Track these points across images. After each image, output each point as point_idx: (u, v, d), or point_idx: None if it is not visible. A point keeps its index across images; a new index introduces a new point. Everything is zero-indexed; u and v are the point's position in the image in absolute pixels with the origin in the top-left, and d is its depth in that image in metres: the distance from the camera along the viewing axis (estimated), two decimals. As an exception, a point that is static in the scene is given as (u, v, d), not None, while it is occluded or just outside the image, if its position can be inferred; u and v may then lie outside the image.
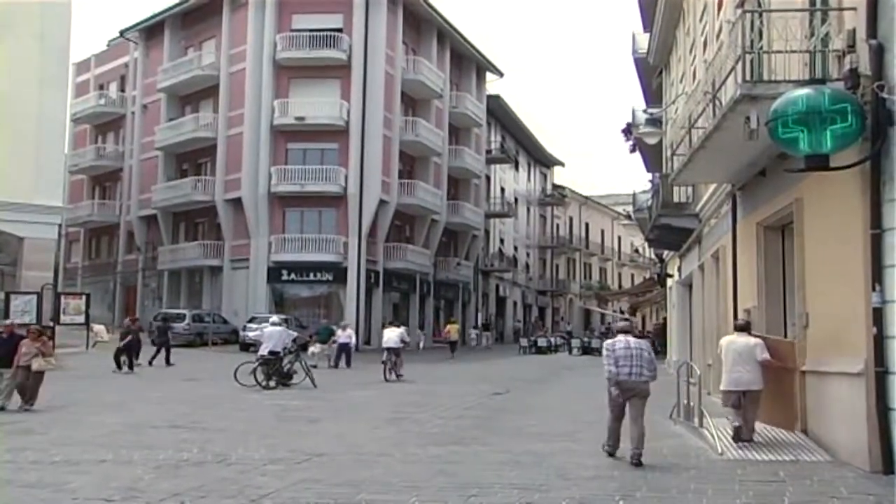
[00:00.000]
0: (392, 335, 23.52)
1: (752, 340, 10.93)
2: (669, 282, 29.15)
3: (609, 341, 10.15)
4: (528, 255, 62.88)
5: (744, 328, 11.15)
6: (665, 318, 36.39)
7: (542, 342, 42.43)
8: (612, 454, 10.03)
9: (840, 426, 9.72)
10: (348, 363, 25.65)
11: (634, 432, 9.72)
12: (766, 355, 10.77)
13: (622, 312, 72.24)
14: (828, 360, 10.11)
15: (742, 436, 10.80)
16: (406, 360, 24.14)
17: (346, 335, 26.00)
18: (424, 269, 43.73)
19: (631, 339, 10.11)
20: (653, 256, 51.20)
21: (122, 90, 48.88)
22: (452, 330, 38.60)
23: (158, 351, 25.57)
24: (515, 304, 59.99)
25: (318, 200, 38.32)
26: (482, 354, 39.93)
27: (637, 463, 9.52)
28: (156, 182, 43.23)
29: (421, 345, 39.36)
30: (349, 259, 38.14)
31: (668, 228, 21.18)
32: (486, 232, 53.34)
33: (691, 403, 12.11)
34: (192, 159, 42.91)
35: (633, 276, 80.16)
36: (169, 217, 43.38)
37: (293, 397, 17.40)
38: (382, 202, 39.51)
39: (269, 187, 38.41)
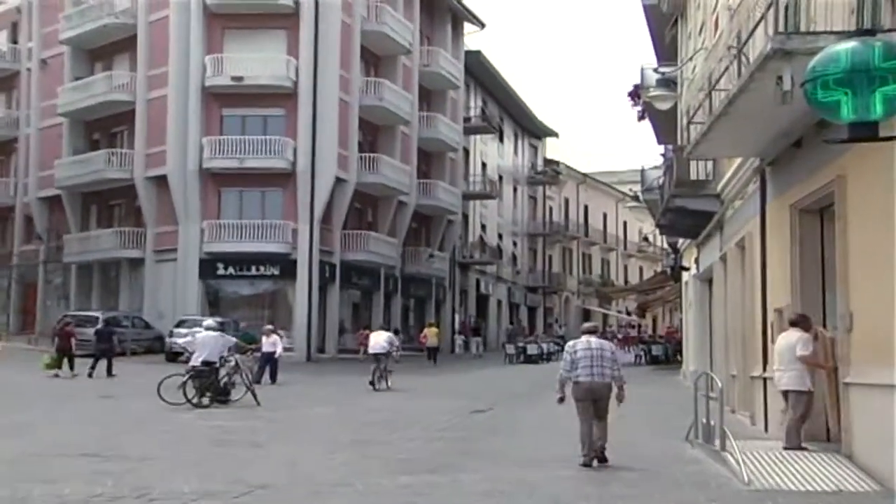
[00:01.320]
0: (379, 339, 24.97)
1: (795, 336, 11.71)
2: (685, 276, 29.30)
3: (570, 342, 11.99)
4: (515, 244, 63.08)
5: (797, 322, 11.84)
6: (680, 320, 36.62)
7: (531, 350, 42.63)
8: (588, 464, 11.39)
9: (890, 449, 9.79)
10: (273, 377, 25.18)
11: (598, 430, 11.55)
12: (805, 351, 11.17)
13: (628, 313, 72.85)
14: (875, 369, 10.16)
15: (787, 443, 11.55)
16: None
17: (269, 343, 25.18)
18: (390, 262, 43.72)
19: (593, 339, 11.78)
20: (665, 246, 51.62)
21: (15, 41, 48.07)
22: (431, 335, 38.71)
23: (98, 360, 26.21)
24: (500, 303, 60.23)
25: (261, 179, 38.15)
26: (463, 364, 40.10)
27: (601, 457, 11.45)
28: (60, 155, 42.77)
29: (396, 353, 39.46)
30: (299, 250, 38.05)
31: (684, 212, 21.26)
32: (465, 216, 53.45)
33: (712, 423, 12.16)
34: (104, 128, 42.46)
35: (641, 269, 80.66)
36: (77, 198, 42.92)
37: (232, 417, 17.34)
38: (339, 181, 39.40)
39: (201, 162, 38.17)
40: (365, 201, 42.96)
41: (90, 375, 25.73)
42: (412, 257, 46.64)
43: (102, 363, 26.40)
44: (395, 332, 42.35)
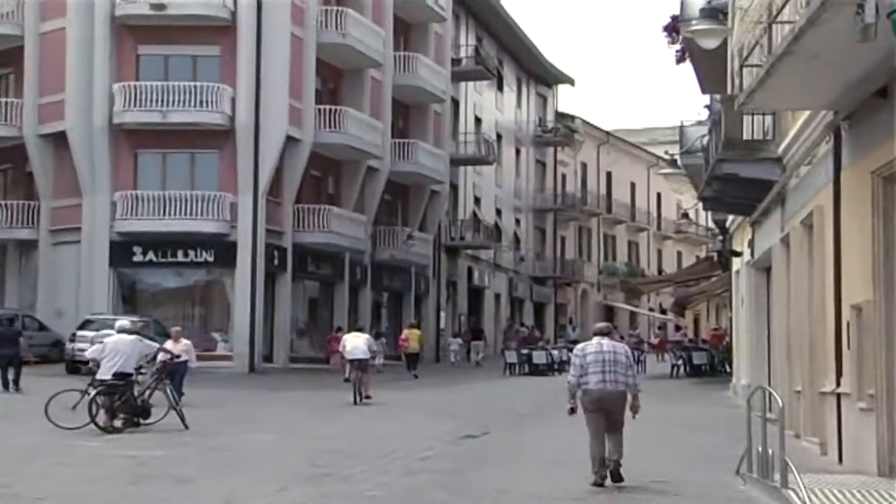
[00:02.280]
0: (358, 343, 26.15)
1: None
2: (736, 264, 29.36)
3: (580, 345, 13.20)
4: (517, 222, 63.14)
5: None
6: (729, 320, 36.72)
7: (538, 357, 42.72)
8: (600, 483, 12.40)
9: None
10: (177, 392, 24.74)
11: (611, 443, 12.51)
12: None
13: (663, 311, 73.05)
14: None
15: None
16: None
17: (181, 348, 24.69)
18: (357, 245, 43.72)
19: (605, 341, 12.88)
20: (710, 225, 51.67)
21: None
22: (412, 338, 38.76)
23: (4, 371, 26.52)
24: (498, 297, 60.40)
25: (190, 138, 38.04)
26: (452, 375, 40.28)
27: (616, 474, 12.37)
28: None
29: (379, 360, 39.57)
30: (239, 229, 38.04)
31: (735, 181, 21.26)
32: (454, 187, 53.45)
33: (770, 451, 12.23)
34: (-17, 70, 42.27)
35: (679, 254, 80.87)
36: (-52, 162, 42.71)
37: (153, 444, 17.30)
38: (291, 140, 39.32)
39: (111, 116, 38.03)
40: (325, 167, 42.83)
41: (9, 388, 25.98)
42: (385, 239, 46.59)
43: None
44: (378, 336, 42.57)
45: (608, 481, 12.57)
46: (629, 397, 12.86)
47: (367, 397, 26.04)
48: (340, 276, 43.96)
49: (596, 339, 13.03)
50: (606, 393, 12.63)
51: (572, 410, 12.96)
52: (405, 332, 40.17)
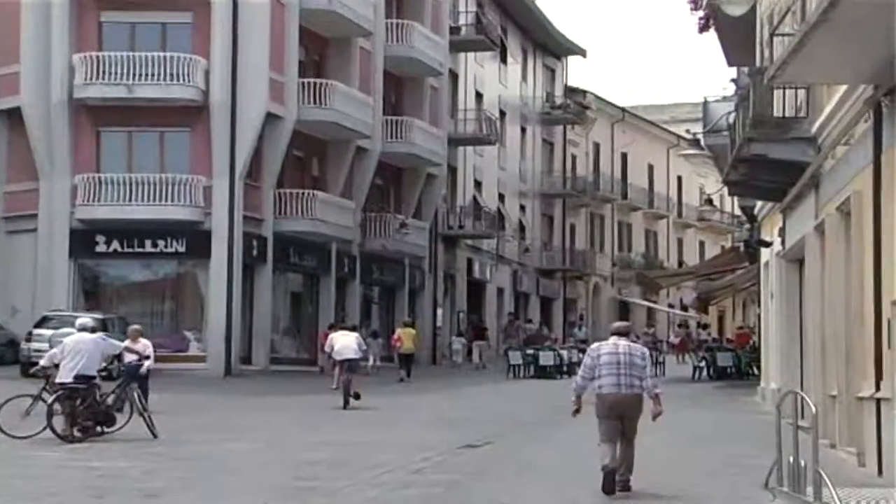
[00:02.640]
0: (348, 342, 26.79)
1: None
2: (765, 254, 29.35)
3: (594, 345, 13.68)
4: (522, 209, 63.14)
5: None
6: (758, 317, 36.73)
7: (545, 359, 42.76)
8: (611, 470, 12.87)
9: None
10: (141, 400, 24.49)
11: (622, 454, 12.96)
12: None
13: (684, 308, 72.93)
14: None
15: None
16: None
17: (141, 347, 24.42)
18: (345, 234, 43.72)
19: (622, 342, 13.28)
20: (737, 212, 51.55)
21: None
22: (405, 338, 38.78)
23: None
24: (501, 292, 60.42)
25: (159, 115, 37.99)
26: (449, 379, 40.22)
27: (625, 488, 12.92)
28: None
29: (374, 361, 39.81)
30: (214, 217, 38.04)
31: (764, 163, 21.26)
32: (452, 170, 53.42)
33: (802, 463, 12.21)
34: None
35: (702, 244, 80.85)
36: None
37: (118, 455, 17.28)
38: (271, 118, 39.29)
39: (71, 91, 37.96)
40: (309, 148, 42.79)
41: None
42: (376, 228, 46.54)
43: None
44: (375, 336, 42.74)
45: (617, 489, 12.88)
46: (648, 402, 13.13)
47: (356, 396, 26.48)
48: (326, 269, 43.94)
49: (612, 339, 13.38)
50: (621, 397, 12.96)
51: (576, 411, 13.34)
52: (398, 332, 40.17)
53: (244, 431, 21.13)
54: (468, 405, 28.92)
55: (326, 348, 28.51)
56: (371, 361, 40.41)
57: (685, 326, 63.63)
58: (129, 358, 22.71)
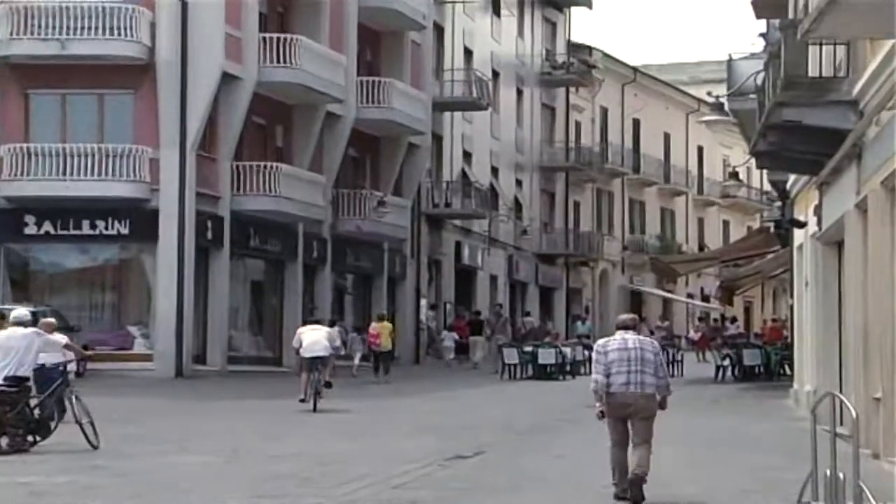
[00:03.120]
0: (318, 337, 27.12)
1: None
2: (799, 236, 29.37)
3: (600, 341, 14.04)
4: (519, 184, 63.12)
5: None
6: (790, 309, 36.78)
7: (545, 357, 42.74)
8: (624, 496, 13.14)
9: None
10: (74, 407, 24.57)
11: (635, 455, 13.25)
12: None
13: (705, 299, 72.93)
14: None
15: None
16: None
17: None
18: (314, 214, 43.72)
19: (630, 336, 13.65)
20: (766, 187, 51.53)
21: None
22: (383, 333, 38.80)
23: None
24: (495, 280, 60.46)
25: (98, 74, 37.96)
26: (442, 380, 40.36)
27: (638, 489, 13.07)
28: None
29: (358, 360, 40.55)
30: (162, 193, 38.04)
31: (798, 130, 21.27)
32: (438, 139, 53.42)
33: (840, 476, 12.23)
34: None
35: (726, 225, 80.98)
36: None
37: (53, 469, 17.20)
38: (228, 78, 39.25)
39: (-7, 46, 37.86)
40: (271, 114, 42.77)
41: None
42: (350, 206, 46.55)
43: None
44: (358, 331, 42.78)
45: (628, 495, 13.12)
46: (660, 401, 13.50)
47: (328, 385, 27.15)
48: (292, 254, 43.94)
49: (619, 334, 13.73)
50: (631, 396, 13.34)
51: (602, 414, 13.57)
52: (374, 327, 40.10)
53: (198, 442, 21.07)
54: (457, 410, 28.89)
55: (295, 343, 28.52)
56: (356, 361, 40.67)
57: (706, 320, 63.74)
58: (51, 359, 22.65)
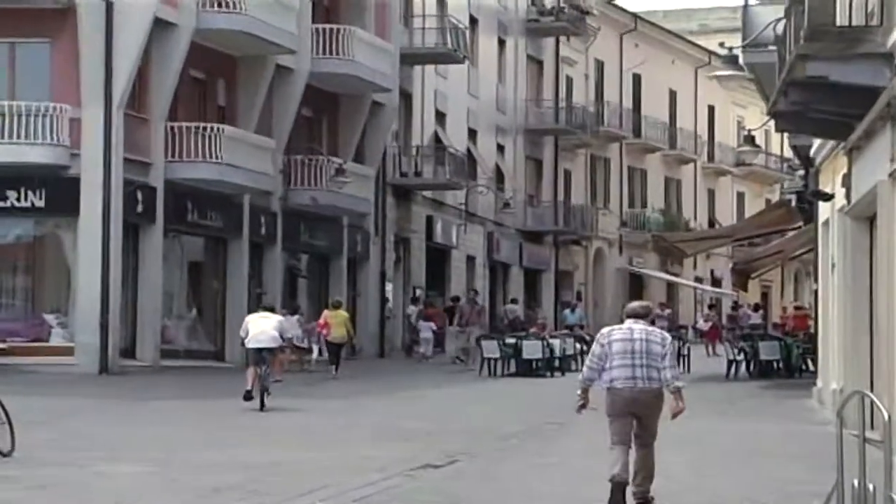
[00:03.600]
0: (265, 327, 27.43)
1: None
2: (825, 211, 29.44)
3: (604, 329, 14.28)
4: (501, 149, 63.29)
5: None
6: (815, 295, 36.90)
7: (530, 350, 42.83)
8: (622, 482, 13.41)
9: None
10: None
11: (639, 464, 13.53)
12: None
13: (716, 283, 73.24)
14: None
15: None
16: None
17: None
18: (262, 184, 43.79)
19: (639, 325, 13.89)
20: (787, 153, 51.64)
21: None
22: (335, 322, 38.91)
23: None
24: (472, 261, 60.65)
25: (8, 20, 37.86)
26: (410, 378, 40.64)
27: (643, 502, 13.37)
28: None
29: (318, 353, 41.17)
30: (84, 159, 38.10)
31: (824, 87, 21.29)
32: (406, 97, 53.66)
33: (871, 486, 12.26)
34: None
35: (740, 197, 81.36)
36: None
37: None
38: (162, 25, 39.23)
39: None
40: (212, 67, 42.87)
41: None
42: (304, 175, 46.69)
43: None
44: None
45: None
46: (669, 398, 13.69)
47: (277, 380, 27.76)
48: (237, 230, 44.01)
49: (628, 323, 14.03)
50: (639, 393, 13.61)
51: (582, 407, 13.92)
52: (325, 314, 40.21)
53: (126, 448, 21.05)
54: (427, 412, 28.97)
55: (241, 333, 28.56)
56: (315, 354, 40.98)
57: (717, 307, 63.93)
58: None
